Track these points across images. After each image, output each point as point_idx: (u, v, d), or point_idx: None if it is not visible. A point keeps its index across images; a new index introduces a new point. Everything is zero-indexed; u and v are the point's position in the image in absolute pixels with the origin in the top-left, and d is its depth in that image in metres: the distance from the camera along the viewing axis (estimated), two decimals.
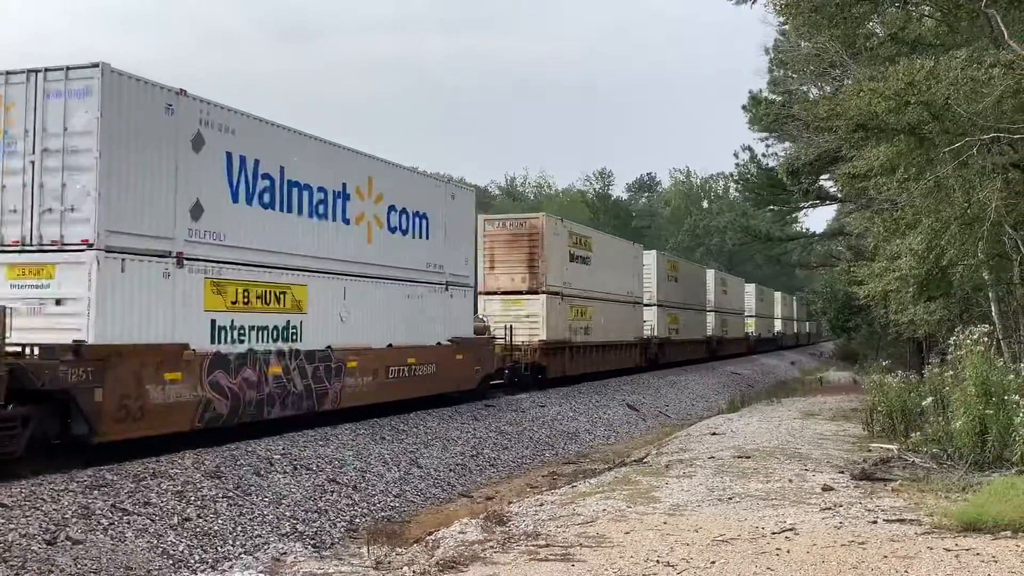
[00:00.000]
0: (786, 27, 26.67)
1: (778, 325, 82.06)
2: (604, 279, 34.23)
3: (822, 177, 36.68)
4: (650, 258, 42.57)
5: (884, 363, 23.55)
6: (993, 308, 21.33)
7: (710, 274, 55.98)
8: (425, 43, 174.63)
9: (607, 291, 34.63)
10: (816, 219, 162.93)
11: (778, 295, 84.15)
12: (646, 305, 41.11)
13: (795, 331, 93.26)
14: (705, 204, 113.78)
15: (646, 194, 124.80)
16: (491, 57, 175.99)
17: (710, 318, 54.28)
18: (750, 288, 69.83)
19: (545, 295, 28.20)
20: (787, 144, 38.67)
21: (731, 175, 62.85)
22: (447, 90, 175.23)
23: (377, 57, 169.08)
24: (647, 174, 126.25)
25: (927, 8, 21.12)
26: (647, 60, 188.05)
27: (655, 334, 41.67)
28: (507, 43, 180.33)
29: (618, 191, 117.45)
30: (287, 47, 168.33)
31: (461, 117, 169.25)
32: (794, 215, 54.84)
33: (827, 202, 44.32)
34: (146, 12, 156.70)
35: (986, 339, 13.59)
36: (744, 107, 38.22)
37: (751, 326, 67.64)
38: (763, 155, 44.35)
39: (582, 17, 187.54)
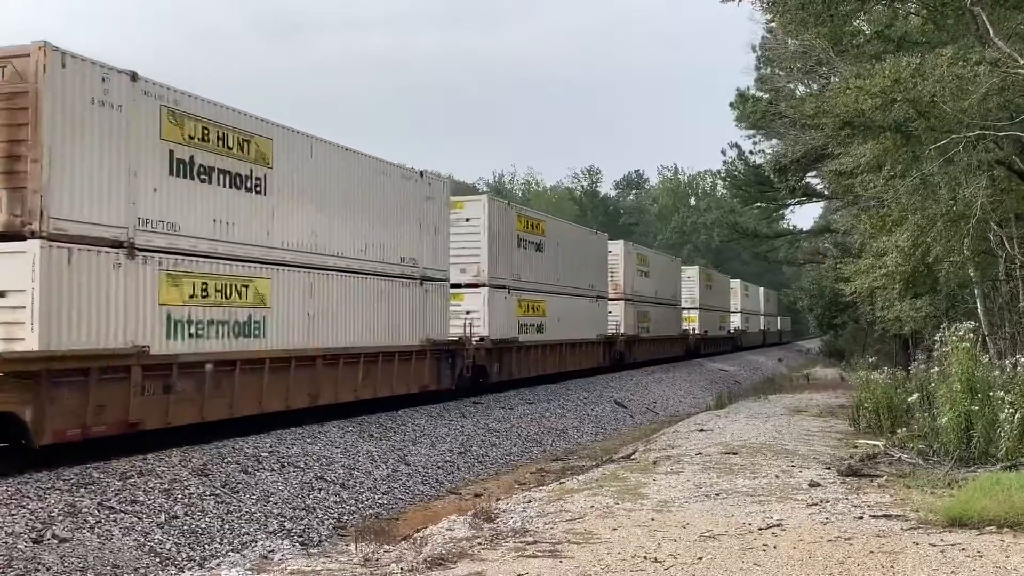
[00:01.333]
0: (773, 25, 26.76)
1: (736, 321, 67.99)
2: (312, 220, 17.42)
3: (809, 174, 36.90)
4: (477, 208, 25.53)
5: (871, 360, 23.68)
6: (979, 305, 21.47)
7: (617, 246, 39.28)
8: (414, 41, 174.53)
9: (324, 249, 17.76)
10: (803, 216, 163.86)
11: (736, 283, 70.00)
12: (467, 287, 24.85)
13: (762, 328, 79.52)
14: (693, 201, 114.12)
15: (634, 191, 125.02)
16: (479, 55, 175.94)
17: (616, 310, 38.21)
18: (691, 272, 55.59)
19: (41, 242, 11.87)
20: (774, 141, 38.93)
21: (718, 172, 63.22)
22: (435, 88, 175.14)
23: (367, 54, 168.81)
24: (635, 171, 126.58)
25: (913, 6, 21.24)
26: (635, 57, 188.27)
27: (485, 334, 24.71)
28: (495, 41, 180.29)
29: (606, 188, 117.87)
30: (277, 45, 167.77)
31: (449, 115, 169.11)
32: (781, 212, 55.24)
33: (814, 199, 44.65)
34: (136, 9, 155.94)
35: (972, 336, 13.66)
36: (731, 104, 38.39)
37: (693, 321, 53.47)
38: (750, 152, 44.66)
39: (570, 15, 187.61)
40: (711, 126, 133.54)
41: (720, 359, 53.40)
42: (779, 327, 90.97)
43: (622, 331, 38.24)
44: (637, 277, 41.07)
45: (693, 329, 52.77)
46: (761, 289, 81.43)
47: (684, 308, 52.01)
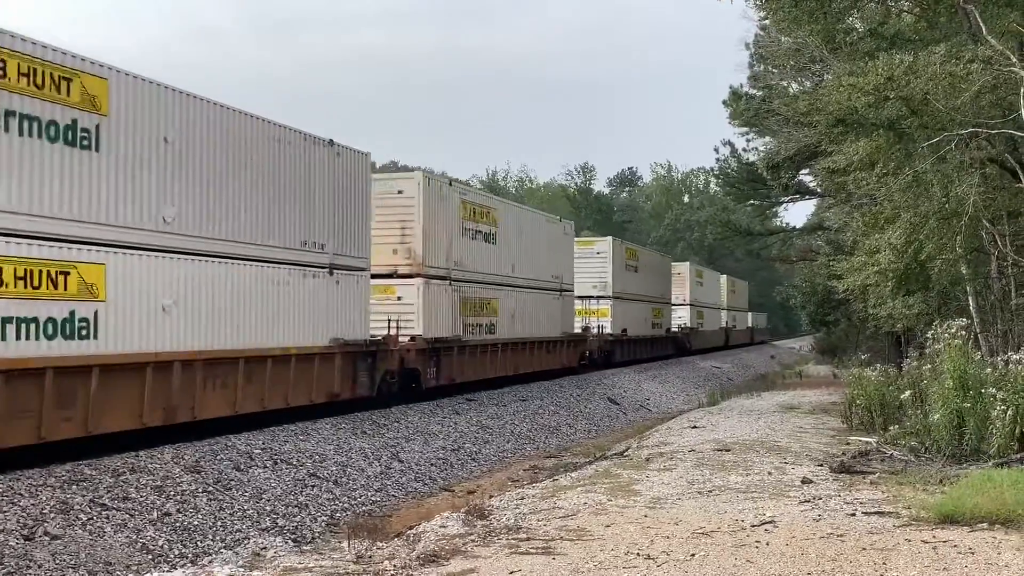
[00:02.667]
0: (767, 22, 26.81)
1: (683, 316, 53.21)
2: None
3: (802, 172, 36.96)
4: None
5: (863, 357, 23.74)
6: (971, 302, 21.49)
7: (410, 184, 22.21)
8: (407, 37, 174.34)
9: None
10: (796, 214, 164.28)
11: (685, 267, 55.71)
12: None
13: (724, 325, 64.27)
14: (686, 199, 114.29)
15: (627, 189, 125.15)
16: (473, 51, 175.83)
17: (408, 296, 21.66)
18: (602, 247, 38.77)
19: None
20: (767, 139, 38.96)
21: (712, 170, 63.30)
22: (428, 84, 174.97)
23: (360, 52, 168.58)
24: (628, 168, 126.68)
25: (906, 4, 21.29)
26: (629, 55, 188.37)
27: None
28: (489, 38, 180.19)
29: (599, 185, 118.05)
30: (271, 43, 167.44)
31: (442, 111, 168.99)
32: (774, 210, 55.22)
33: (807, 197, 44.70)
34: (127, 5, 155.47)
35: (964, 333, 13.69)
36: (725, 102, 38.47)
37: (603, 316, 37.58)
38: (743, 150, 44.70)
39: (564, 13, 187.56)
40: (704, 123, 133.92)
41: (645, 368, 38.43)
42: (750, 324, 76.41)
43: (417, 332, 21.56)
44: (463, 241, 24.25)
45: (600, 328, 37.00)
46: (723, 277, 66.23)
47: (586, 297, 37.10)
